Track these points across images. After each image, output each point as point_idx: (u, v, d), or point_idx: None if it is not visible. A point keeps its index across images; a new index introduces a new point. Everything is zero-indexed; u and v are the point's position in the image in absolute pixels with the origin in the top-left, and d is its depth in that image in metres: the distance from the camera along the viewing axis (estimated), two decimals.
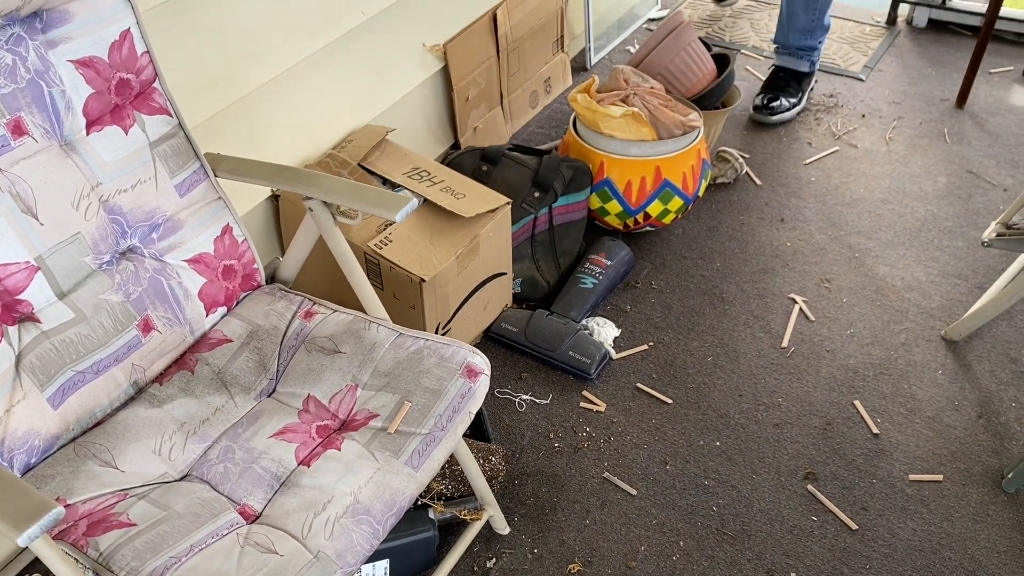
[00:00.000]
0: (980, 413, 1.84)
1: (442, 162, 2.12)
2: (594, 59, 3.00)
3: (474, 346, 1.97)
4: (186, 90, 1.58)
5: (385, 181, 1.92)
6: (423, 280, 1.71)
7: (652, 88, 2.16)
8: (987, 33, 2.64)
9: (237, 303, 1.47)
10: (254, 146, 1.78)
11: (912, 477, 1.72)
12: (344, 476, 1.20)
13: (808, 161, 2.56)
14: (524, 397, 1.89)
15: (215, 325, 1.43)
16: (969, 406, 1.86)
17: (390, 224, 1.81)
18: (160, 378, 1.35)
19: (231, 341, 1.40)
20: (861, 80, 2.93)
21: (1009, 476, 1.68)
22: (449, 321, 1.85)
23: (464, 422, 1.28)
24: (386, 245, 1.77)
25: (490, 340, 2.02)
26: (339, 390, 1.33)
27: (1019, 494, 1.68)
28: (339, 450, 1.24)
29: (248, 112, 1.74)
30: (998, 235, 1.82)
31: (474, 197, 1.86)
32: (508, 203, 1.88)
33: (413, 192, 1.87)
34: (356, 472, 1.20)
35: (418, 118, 2.29)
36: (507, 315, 2.01)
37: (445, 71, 2.30)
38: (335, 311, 1.44)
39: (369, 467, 1.21)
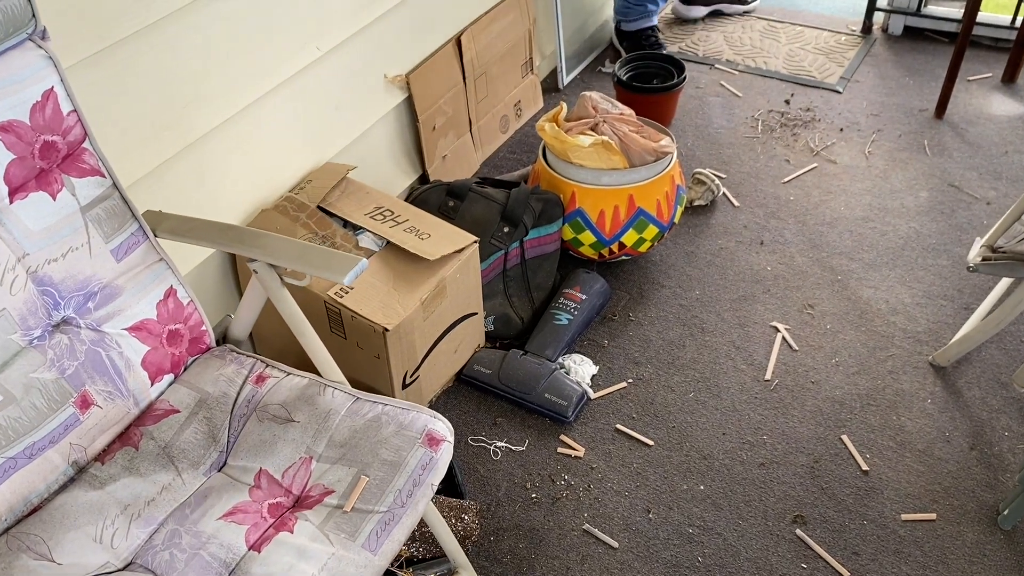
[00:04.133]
0: (972, 444, 1.77)
1: (408, 197, 2.04)
2: (566, 79, 2.93)
3: (446, 390, 1.90)
4: (125, 142, 1.49)
5: (346, 223, 1.84)
6: (386, 330, 1.63)
7: (622, 114, 2.08)
8: (964, 39, 2.58)
9: (185, 369, 1.38)
10: (205, 195, 1.70)
11: (904, 517, 1.65)
12: (297, 563, 1.11)
13: (787, 179, 2.50)
14: (499, 444, 1.81)
15: (161, 395, 1.34)
16: (961, 437, 1.79)
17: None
18: (102, 456, 1.27)
19: (178, 411, 1.32)
20: (838, 92, 2.87)
21: (1005, 513, 1.61)
22: (417, 368, 1.77)
23: (426, 495, 1.20)
24: (347, 293, 1.68)
25: (463, 383, 1.94)
26: (292, 463, 1.24)
27: (1016, 531, 1.61)
28: (292, 532, 1.16)
29: (197, 160, 1.65)
30: (983, 259, 1.75)
31: (439, 237, 1.79)
32: (475, 242, 1.80)
33: (375, 233, 1.79)
34: (309, 558, 1.12)
35: (383, 151, 2.21)
36: (479, 356, 1.93)
37: (409, 101, 2.23)
38: (288, 374, 1.36)
39: (323, 552, 1.12)
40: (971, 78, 2.90)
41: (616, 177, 2.01)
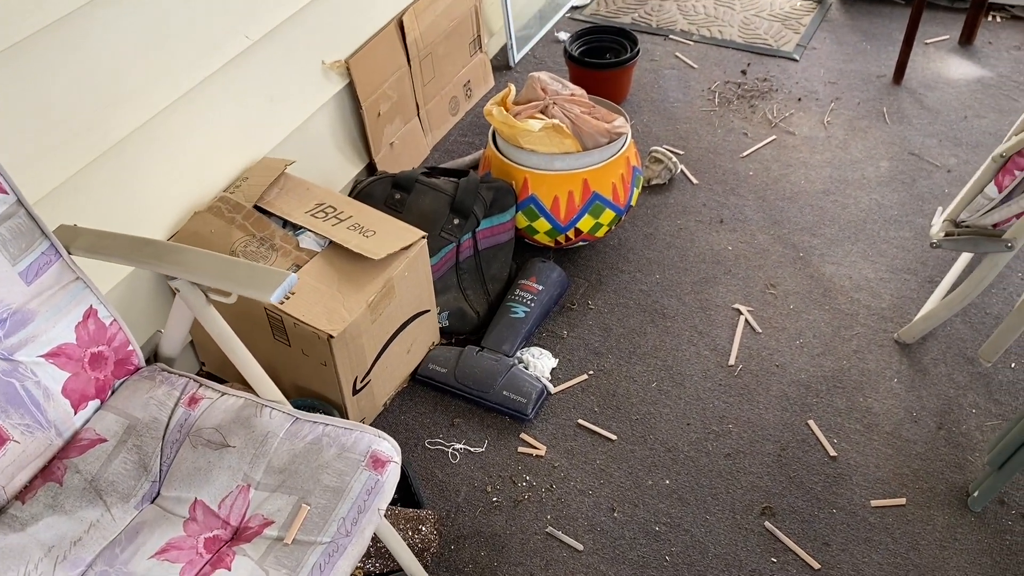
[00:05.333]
0: (940, 423, 1.74)
1: (352, 191, 1.95)
2: (517, 56, 2.83)
3: (400, 391, 1.83)
4: (32, 152, 1.38)
5: (285, 223, 1.74)
6: (331, 336, 1.54)
7: (573, 95, 2.00)
8: (921, 1, 2.52)
9: (112, 393, 1.29)
10: (129, 203, 1.59)
11: (874, 503, 1.61)
12: None
13: (745, 154, 2.43)
14: (457, 446, 1.74)
15: (86, 423, 1.25)
16: (928, 416, 1.75)
17: (293, 270, 1.64)
18: (22, 495, 1.18)
19: (105, 440, 1.23)
20: (795, 60, 2.80)
21: (975, 495, 1.58)
22: (368, 373, 1.69)
23: (372, 522, 1.12)
24: (288, 299, 1.60)
25: (418, 383, 1.86)
26: (229, 492, 1.16)
27: (986, 513, 1.59)
28: (229, 569, 1.08)
29: (117, 165, 1.54)
30: (946, 235, 1.70)
31: (385, 233, 1.70)
32: (423, 237, 1.72)
33: (316, 232, 1.70)
34: None
35: (325, 142, 2.11)
36: (434, 354, 1.86)
37: (351, 88, 2.12)
38: (223, 394, 1.27)
39: None
40: (928, 41, 2.85)
41: (569, 161, 1.93)
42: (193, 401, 1.27)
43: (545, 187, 1.95)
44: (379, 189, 1.90)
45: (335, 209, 1.76)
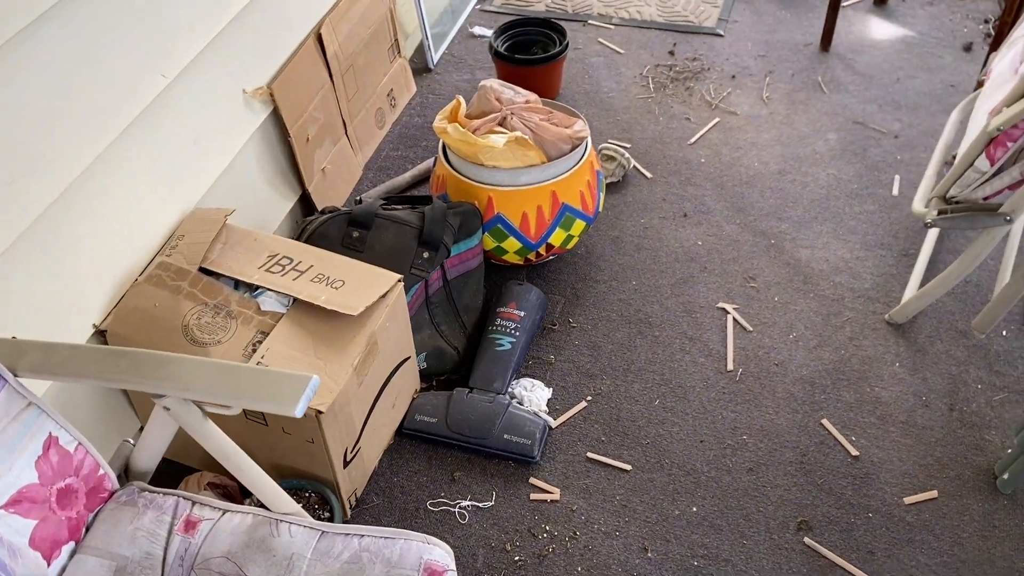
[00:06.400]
0: (950, 405, 1.70)
1: (301, 234, 1.74)
2: (436, 56, 2.65)
3: (388, 450, 1.65)
4: None
5: (238, 283, 1.53)
6: (320, 412, 1.35)
7: (528, 102, 1.85)
8: None
9: (87, 530, 1.07)
10: (54, 288, 1.35)
11: (907, 500, 1.56)
12: None
13: (692, 140, 2.34)
14: (464, 504, 1.59)
15: (63, 573, 1.03)
16: (937, 398, 1.71)
17: (260, 340, 1.43)
18: None
19: None
20: (720, 36, 2.73)
21: (1005, 477, 1.54)
22: (357, 442, 1.51)
23: None
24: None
25: (406, 437, 1.69)
26: None
27: (1016, 494, 1.55)
28: None
29: (39, 244, 1.30)
30: (940, 213, 1.66)
31: (356, 282, 1.51)
32: (399, 280, 1.54)
33: (277, 292, 1.49)
34: None
35: (256, 179, 1.88)
36: (420, 404, 1.69)
37: (276, 115, 1.90)
38: (224, 511, 1.08)
39: None
40: (845, 4, 2.83)
41: (535, 174, 1.79)
42: (190, 525, 1.07)
43: (512, 204, 1.80)
44: (334, 229, 1.70)
45: (292, 260, 1.56)
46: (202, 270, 1.52)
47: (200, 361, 0.93)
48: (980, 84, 2.24)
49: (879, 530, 1.52)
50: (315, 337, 1.45)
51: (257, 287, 1.51)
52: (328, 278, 1.52)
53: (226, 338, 1.42)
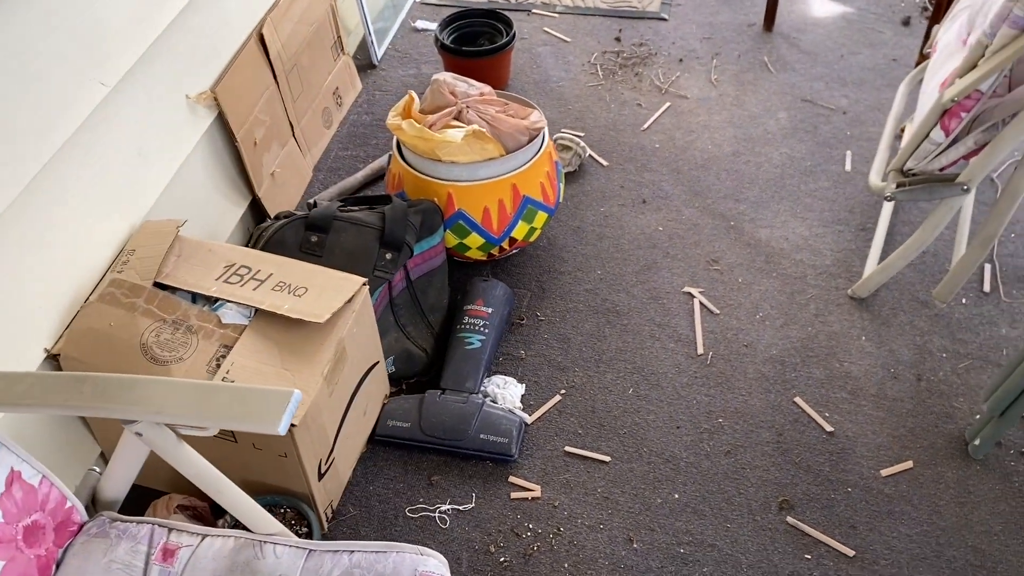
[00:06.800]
0: (918, 375, 1.72)
1: (256, 241, 1.68)
2: (380, 52, 2.59)
3: (361, 458, 1.61)
4: None
5: (196, 297, 1.47)
6: (292, 425, 1.31)
7: (482, 94, 1.81)
8: None
9: (58, 567, 1.01)
10: (4, 311, 1.27)
11: (884, 473, 1.57)
12: None
13: (645, 126, 2.34)
14: (444, 508, 1.55)
15: None
16: (904, 370, 1.73)
17: (223, 354, 1.38)
18: None
19: None
20: (664, 20, 2.73)
21: (976, 443, 1.57)
22: (331, 452, 1.47)
23: None
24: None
25: (379, 444, 1.64)
26: None
27: (988, 459, 1.58)
28: None
29: None
30: (899, 186, 1.67)
31: (319, 288, 1.46)
32: (364, 283, 1.50)
33: (237, 303, 1.44)
34: None
35: (204, 187, 1.81)
36: (391, 409, 1.65)
37: (221, 120, 1.83)
38: (204, 535, 1.03)
39: None
40: None
41: (494, 168, 1.75)
42: (168, 554, 1.01)
43: (472, 199, 1.76)
44: (291, 234, 1.65)
45: (250, 269, 1.50)
46: (157, 285, 1.45)
47: (172, 382, 0.88)
48: (924, 57, 2.28)
49: (859, 504, 1.53)
50: (281, 348, 1.40)
51: (216, 299, 1.45)
52: (290, 286, 1.47)
53: (188, 354, 1.36)
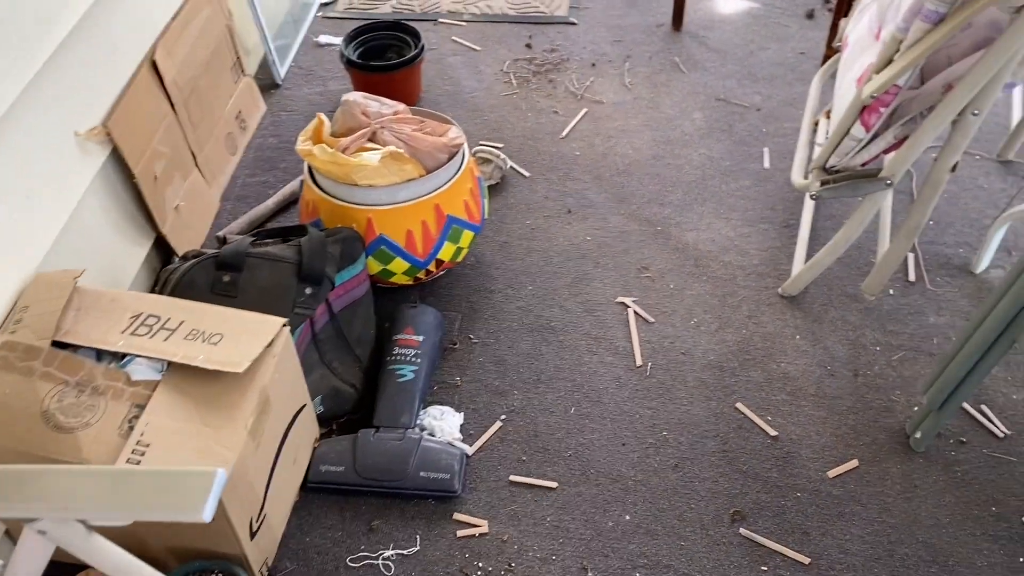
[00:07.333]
0: (854, 371, 1.72)
1: (160, 286, 1.56)
2: (282, 70, 2.48)
3: (295, 508, 1.51)
4: None
5: (100, 354, 1.35)
6: None
7: (397, 113, 1.74)
8: None
9: None
10: None
11: (831, 474, 1.56)
12: None
13: (564, 134, 2.29)
14: (387, 554, 1.47)
15: None
16: (841, 366, 1.73)
17: (136, 414, 1.27)
18: None
19: None
20: (573, 24, 2.70)
21: (917, 436, 1.57)
22: (262, 509, 1.37)
23: None
24: (144, 452, 1.23)
25: (313, 491, 1.55)
26: None
27: (930, 451, 1.59)
28: None
29: None
30: (822, 184, 1.67)
31: (236, 333, 1.36)
32: (284, 323, 1.40)
33: (147, 357, 1.33)
34: None
35: (102, 228, 1.69)
36: (323, 453, 1.55)
37: (116, 155, 1.71)
38: None
39: None
40: None
41: (415, 189, 1.68)
42: None
43: (394, 223, 1.69)
44: (201, 275, 1.54)
45: (159, 318, 1.39)
46: (56, 344, 1.32)
47: (78, 471, 0.78)
48: (833, 51, 2.30)
49: (809, 508, 1.51)
50: (199, 402, 1.29)
51: (124, 355, 1.34)
52: (203, 333, 1.36)
53: (96, 419, 1.25)
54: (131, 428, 1.25)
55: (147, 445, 1.24)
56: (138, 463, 1.22)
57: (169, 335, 1.36)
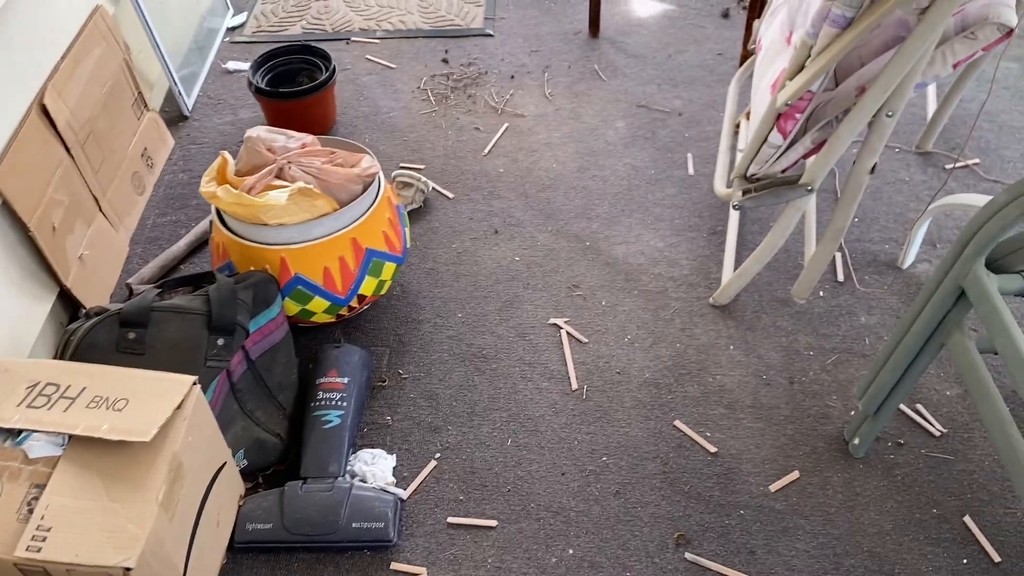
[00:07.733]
0: (789, 378, 1.71)
1: (63, 350, 1.46)
2: (190, 102, 2.38)
3: (223, 570, 1.43)
4: None
5: None
6: (128, 570, 1.13)
7: (305, 146, 1.66)
8: None
9: None
10: None
11: (773, 488, 1.54)
12: None
13: (486, 151, 2.24)
14: None
15: None
16: (776, 374, 1.71)
17: (35, 495, 1.18)
18: None
19: None
20: (490, 36, 2.65)
21: (856, 442, 1.56)
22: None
23: None
24: (45, 538, 1.14)
25: (241, 552, 1.47)
26: None
27: (869, 456, 1.58)
28: None
29: None
30: (744, 193, 1.64)
31: (143, 396, 1.28)
32: (194, 382, 1.32)
33: (46, 432, 1.24)
34: None
35: None
36: (249, 510, 1.48)
37: (7, 209, 1.61)
38: None
39: None
40: None
41: (329, 224, 1.61)
42: None
43: (309, 261, 1.61)
44: (103, 334, 1.45)
45: (58, 386, 1.30)
46: None
47: None
48: (749, 53, 2.29)
49: (753, 526, 1.49)
50: (105, 477, 1.21)
51: (20, 431, 1.25)
52: (107, 399, 1.28)
53: None
54: (30, 511, 1.16)
55: (48, 529, 1.15)
56: (39, 550, 1.13)
57: (69, 404, 1.27)
